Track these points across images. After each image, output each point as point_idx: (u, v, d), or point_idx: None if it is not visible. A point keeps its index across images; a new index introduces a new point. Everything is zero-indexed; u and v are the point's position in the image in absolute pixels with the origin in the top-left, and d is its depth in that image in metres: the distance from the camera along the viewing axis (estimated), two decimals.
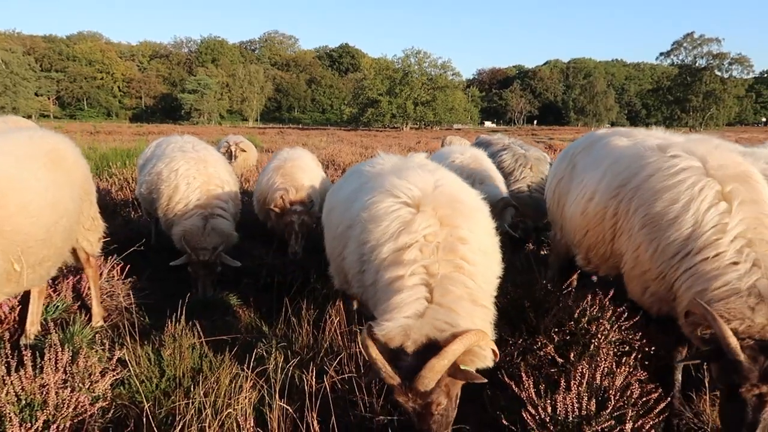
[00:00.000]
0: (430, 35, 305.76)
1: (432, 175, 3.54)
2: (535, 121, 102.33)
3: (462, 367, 2.77)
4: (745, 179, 3.48)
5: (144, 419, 3.28)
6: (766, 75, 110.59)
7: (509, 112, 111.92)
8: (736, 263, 3.17)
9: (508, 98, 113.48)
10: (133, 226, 8.27)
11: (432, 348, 2.70)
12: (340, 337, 4.31)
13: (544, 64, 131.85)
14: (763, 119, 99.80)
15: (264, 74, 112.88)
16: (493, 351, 2.91)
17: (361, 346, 2.77)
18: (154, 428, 3.22)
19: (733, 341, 2.91)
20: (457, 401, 2.98)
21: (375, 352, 2.69)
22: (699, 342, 3.29)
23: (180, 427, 3.11)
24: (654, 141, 4.10)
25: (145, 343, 4.17)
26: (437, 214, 3.21)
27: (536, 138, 38.05)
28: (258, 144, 25.79)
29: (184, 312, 4.44)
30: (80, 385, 3.40)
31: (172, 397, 3.69)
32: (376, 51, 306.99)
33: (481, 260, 3.16)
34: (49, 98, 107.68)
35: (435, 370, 2.64)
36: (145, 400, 3.40)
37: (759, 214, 3.31)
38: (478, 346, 2.80)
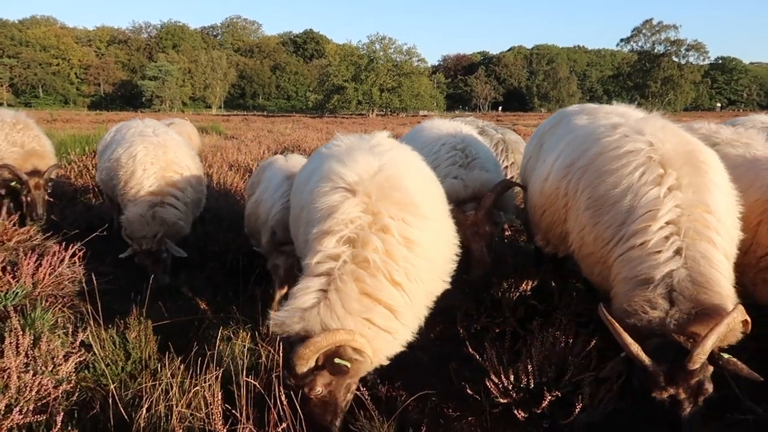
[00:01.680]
0: (395, 21, 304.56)
1: (378, 159, 3.41)
2: (500, 107, 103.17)
3: (336, 360, 2.87)
4: (690, 161, 3.38)
5: (110, 401, 3.27)
6: (720, 61, 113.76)
7: (474, 98, 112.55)
8: (658, 252, 3.11)
9: (473, 84, 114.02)
10: (95, 212, 8.12)
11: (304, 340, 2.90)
12: None
13: (508, 50, 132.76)
14: (718, 105, 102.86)
15: (227, 60, 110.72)
16: (367, 355, 2.96)
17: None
18: (121, 409, 3.20)
19: (635, 348, 2.85)
20: (348, 395, 3.12)
21: (277, 331, 2.99)
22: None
23: (147, 406, 3.10)
24: (611, 119, 4.00)
25: (110, 326, 4.12)
26: (368, 200, 3.15)
27: (501, 124, 38.31)
28: (222, 131, 25.43)
29: (149, 295, 4.41)
30: (43, 368, 3.36)
31: (139, 380, 3.67)
32: (340, 37, 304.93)
33: (402, 253, 3.05)
34: (1, 85, 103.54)
35: (300, 356, 2.84)
36: (110, 382, 3.37)
37: (694, 201, 3.22)
38: (350, 346, 2.89)
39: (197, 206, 6.86)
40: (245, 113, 77.96)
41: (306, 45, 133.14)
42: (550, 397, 3.23)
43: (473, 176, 5.01)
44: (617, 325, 2.92)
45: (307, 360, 2.84)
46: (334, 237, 3.07)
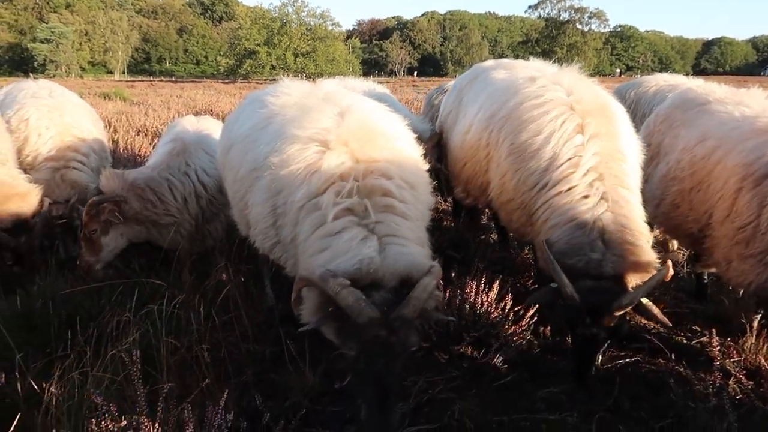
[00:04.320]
0: None
1: (338, 107, 3.20)
2: (416, 73, 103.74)
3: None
4: (603, 112, 3.59)
5: (17, 372, 3.09)
6: (619, 29, 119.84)
7: (390, 63, 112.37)
8: (586, 197, 3.27)
9: (388, 50, 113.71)
10: None
11: (407, 282, 2.55)
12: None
13: (422, 15, 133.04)
14: (618, 70, 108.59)
15: (128, 22, 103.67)
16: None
17: (330, 290, 2.45)
18: (30, 380, 3.04)
19: (569, 288, 2.97)
20: None
21: (349, 290, 2.42)
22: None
23: (59, 374, 2.95)
24: (528, 72, 4.12)
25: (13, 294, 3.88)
26: (348, 148, 2.91)
27: (417, 89, 38.68)
28: (127, 97, 24.02)
29: (53, 263, 4.18)
30: None
31: (48, 350, 3.50)
32: None
33: (409, 196, 2.92)
34: None
35: (428, 289, 2.51)
36: (16, 353, 3.18)
37: (611, 149, 3.42)
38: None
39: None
40: (151, 79, 73.74)
41: (214, 7, 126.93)
42: (468, 338, 3.38)
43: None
44: (557, 264, 3.03)
45: (431, 291, 2.53)
46: (333, 192, 2.76)
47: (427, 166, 3.28)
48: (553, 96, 3.63)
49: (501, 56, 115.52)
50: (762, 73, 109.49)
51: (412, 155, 3.19)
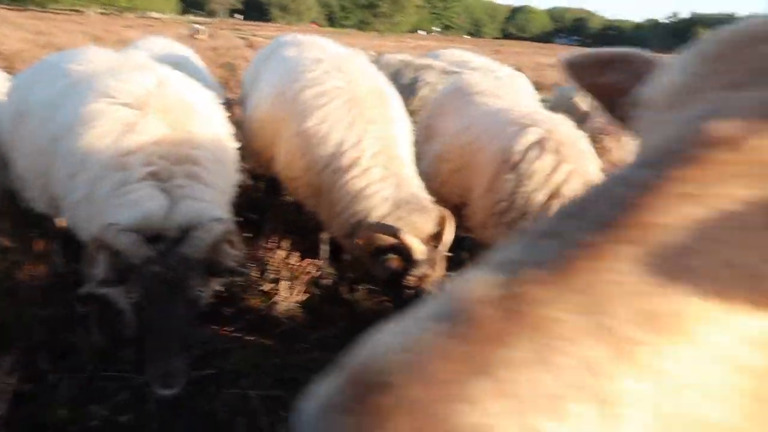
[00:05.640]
0: None
1: (155, 75, 3.22)
2: (241, 16, 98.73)
3: None
4: (379, 99, 3.98)
5: None
6: None
7: (211, 2, 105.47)
8: (384, 178, 3.61)
9: None
10: None
11: (193, 232, 2.66)
12: None
13: None
14: (437, 29, 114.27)
15: None
16: None
17: (108, 238, 2.54)
18: None
19: (421, 249, 3.42)
20: None
21: (125, 233, 2.54)
22: (368, 258, 3.64)
23: None
24: (314, 53, 4.38)
25: None
26: (165, 117, 2.99)
27: (239, 33, 37.19)
28: None
29: None
30: None
31: None
32: None
33: (216, 169, 3.07)
34: None
35: (211, 231, 2.67)
36: None
37: (388, 132, 3.85)
38: None
39: None
40: None
41: None
42: (257, 291, 3.76)
43: None
44: (406, 234, 3.46)
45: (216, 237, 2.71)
46: (144, 155, 2.82)
47: (236, 145, 3.46)
48: (335, 83, 3.95)
49: (327, 5, 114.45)
50: (555, 41, 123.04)
51: (223, 132, 3.37)
